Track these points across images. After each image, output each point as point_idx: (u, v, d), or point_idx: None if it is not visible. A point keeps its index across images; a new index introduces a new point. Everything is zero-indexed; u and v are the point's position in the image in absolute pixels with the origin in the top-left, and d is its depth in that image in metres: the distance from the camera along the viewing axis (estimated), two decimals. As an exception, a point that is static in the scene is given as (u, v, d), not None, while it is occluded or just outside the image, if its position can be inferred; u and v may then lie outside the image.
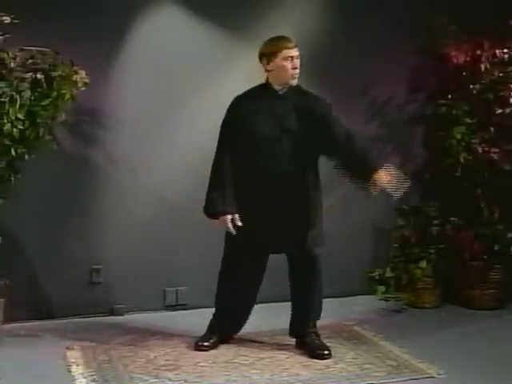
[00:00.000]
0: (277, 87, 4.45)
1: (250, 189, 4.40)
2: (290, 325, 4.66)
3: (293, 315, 4.64)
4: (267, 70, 4.44)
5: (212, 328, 4.68)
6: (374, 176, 4.29)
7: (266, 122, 4.39)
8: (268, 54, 4.41)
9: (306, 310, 4.59)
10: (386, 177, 4.29)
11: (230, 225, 4.38)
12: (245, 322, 4.71)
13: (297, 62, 4.40)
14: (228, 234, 4.46)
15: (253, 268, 4.57)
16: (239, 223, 4.37)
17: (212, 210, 4.45)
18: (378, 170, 4.31)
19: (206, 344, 4.60)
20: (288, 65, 4.38)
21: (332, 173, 4.57)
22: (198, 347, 4.59)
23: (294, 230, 4.41)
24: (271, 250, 4.50)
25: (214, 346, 4.61)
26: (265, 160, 4.37)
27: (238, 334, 4.76)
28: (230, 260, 4.55)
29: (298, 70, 4.41)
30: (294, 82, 4.44)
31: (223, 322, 4.67)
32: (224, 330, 4.68)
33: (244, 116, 4.44)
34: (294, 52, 4.39)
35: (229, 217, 4.38)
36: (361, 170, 4.37)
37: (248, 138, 4.40)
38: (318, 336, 4.56)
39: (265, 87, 4.48)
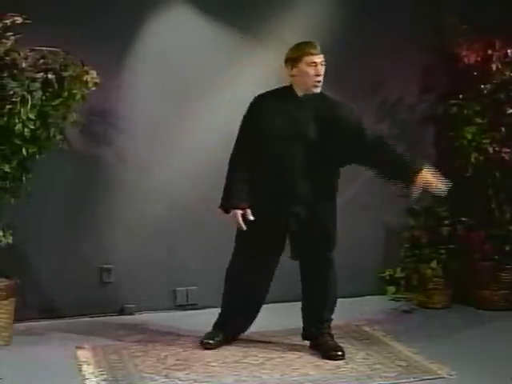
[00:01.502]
0: (299, 92, 4.40)
1: (263, 189, 4.39)
2: (304, 329, 4.63)
3: (305, 319, 4.62)
4: (291, 75, 4.39)
5: (218, 326, 4.69)
6: (415, 177, 4.22)
7: (283, 124, 4.35)
8: (292, 58, 4.36)
9: (320, 313, 4.57)
10: (428, 177, 4.22)
11: (239, 219, 4.34)
12: (251, 323, 4.71)
13: (320, 68, 4.34)
14: (240, 232, 4.43)
15: (263, 268, 4.55)
16: (251, 217, 4.33)
17: (224, 205, 4.44)
18: (419, 171, 4.23)
19: (211, 342, 4.60)
20: (311, 71, 4.33)
21: (342, 172, 4.57)
22: (204, 345, 4.60)
23: (307, 236, 4.40)
24: (281, 252, 4.50)
25: (219, 344, 4.61)
26: (278, 162, 4.35)
27: (248, 333, 4.77)
28: (241, 259, 4.53)
29: (321, 77, 4.35)
30: (317, 90, 4.38)
31: (231, 322, 4.67)
32: (230, 330, 4.69)
33: (262, 116, 4.40)
34: (318, 58, 4.33)
35: (239, 211, 4.35)
36: (400, 174, 4.31)
37: (263, 139, 4.37)
38: (332, 337, 4.56)
39: (287, 90, 4.43)
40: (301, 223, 4.39)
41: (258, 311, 4.68)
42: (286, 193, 4.37)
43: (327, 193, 4.48)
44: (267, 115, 4.39)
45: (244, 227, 4.34)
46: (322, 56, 4.36)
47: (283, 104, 4.40)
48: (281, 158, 4.35)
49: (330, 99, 4.44)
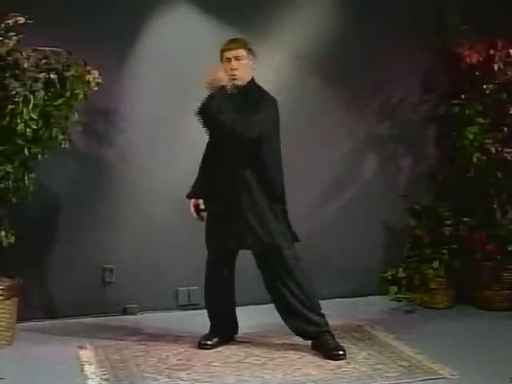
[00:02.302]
0: (228, 87, 4.51)
1: (212, 187, 4.53)
2: (294, 330, 4.61)
3: (287, 322, 4.58)
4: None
5: (212, 329, 4.72)
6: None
7: (217, 122, 4.45)
8: (219, 56, 4.53)
9: (300, 315, 4.52)
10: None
11: (191, 209, 4.65)
12: (235, 322, 4.74)
13: (234, 63, 4.45)
14: (206, 236, 4.63)
15: (222, 266, 4.63)
16: (201, 206, 4.62)
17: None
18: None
19: (208, 343, 4.63)
20: (227, 66, 4.47)
21: (344, 172, 4.57)
22: (201, 346, 4.63)
23: (252, 228, 4.41)
24: (233, 246, 4.53)
25: (216, 345, 4.64)
26: (220, 159, 4.46)
27: (250, 333, 4.78)
28: (208, 260, 4.67)
29: (235, 71, 4.46)
30: (236, 82, 4.48)
31: (219, 324, 4.71)
32: (223, 331, 4.71)
33: (206, 115, 4.52)
34: (231, 54, 4.46)
35: (191, 202, 4.65)
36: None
37: (210, 137, 4.54)
38: (333, 336, 4.54)
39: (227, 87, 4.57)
40: (249, 219, 4.41)
41: (233, 310, 4.72)
42: (230, 190, 4.43)
43: (270, 186, 4.47)
44: (208, 114, 4.50)
45: (196, 216, 4.65)
46: (238, 51, 4.47)
47: (221, 99, 4.50)
48: (221, 154, 4.46)
49: (258, 91, 4.52)
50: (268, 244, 4.42)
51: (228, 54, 4.47)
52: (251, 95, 4.48)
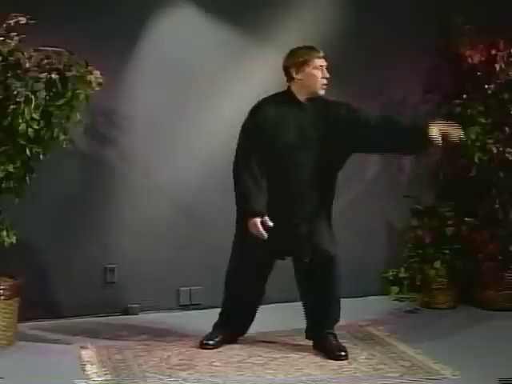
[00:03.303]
0: (301, 96, 4.42)
1: (269, 195, 4.35)
2: (309, 329, 4.63)
3: (309, 319, 4.61)
4: (296, 79, 4.40)
5: (217, 327, 4.70)
6: (427, 137, 4.20)
7: (289, 130, 4.35)
8: (298, 62, 4.38)
9: (324, 314, 4.56)
10: (441, 128, 4.22)
11: (260, 227, 4.23)
12: (250, 324, 4.72)
13: (326, 71, 4.41)
14: (238, 234, 4.47)
15: (263, 270, 4.58)
16: (270, 223, 4.22)
17: (244, 213, 4.34)
18: (429, 129, 4.21)
19: (210, 342, 4.61)
20: (319, 74, 4.38)
21: (345, 172, 4.56)
22: (203, 346, 4.61)
23: (311, 235, 4.40)
24: (287, 254, 4.50)
25: (218, 345, 4.62)
26: (285, 168, 4.35)
27: (252, 333, 4.77)
28: (241, 261, 4.54)
29: (326, 81, 4.41)
30: (322, 92, 4.42)
31: (230, 322, 4.68)
32: (230, 330, 4.70)
33: (267, 123, 4.36)
34: (324, 62, 4.40)
35: (258, 219, 4.23)
36: (412, 139, 4.31)
37: (269, 146, 4.34)
38: (336, 337, 4.55)
39: (288, 95, 4.44)
40: (306, 226, 4.38)
41: (256, 312, 4.70)
42: (292, 199, 4.36)
43: (329, 195, 4.50)
44: (272, 123, 4.36)
45: (265, 235, 4.22)
46: (325, 60, 4.42)
47: (287, 109, 4.40)
48: (288, 165, 4.34)
49: (327, 100, 4.47)
50: (327, 251, 4.43)
51: (321, 62, 4.39)
52: (328, 104, 4.45)
